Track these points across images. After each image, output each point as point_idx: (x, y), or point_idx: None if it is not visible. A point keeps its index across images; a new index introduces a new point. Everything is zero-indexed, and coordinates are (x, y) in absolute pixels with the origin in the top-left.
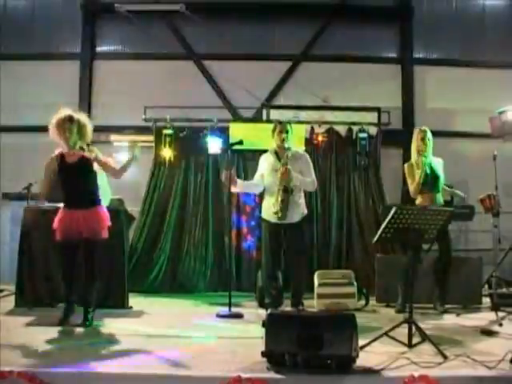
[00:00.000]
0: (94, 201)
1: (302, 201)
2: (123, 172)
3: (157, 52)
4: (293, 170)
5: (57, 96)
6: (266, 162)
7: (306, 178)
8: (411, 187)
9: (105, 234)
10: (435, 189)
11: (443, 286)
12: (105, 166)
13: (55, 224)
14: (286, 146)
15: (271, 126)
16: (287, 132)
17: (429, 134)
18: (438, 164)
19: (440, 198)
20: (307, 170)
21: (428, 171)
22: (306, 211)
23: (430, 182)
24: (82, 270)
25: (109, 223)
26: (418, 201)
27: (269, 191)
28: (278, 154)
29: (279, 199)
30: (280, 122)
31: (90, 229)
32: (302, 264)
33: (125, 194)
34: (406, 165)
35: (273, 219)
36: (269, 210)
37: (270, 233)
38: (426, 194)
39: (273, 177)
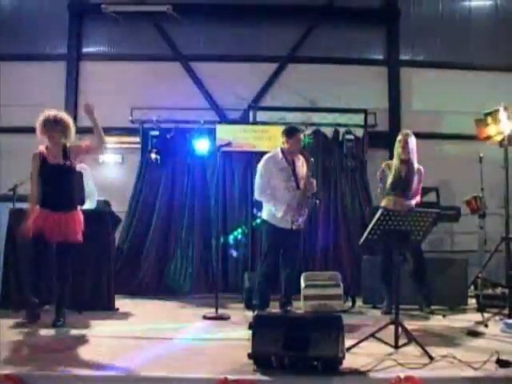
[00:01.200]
0: (72, 205)
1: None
2: (101, 139)
3: (143, 53)
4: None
5: (43, 97)
6: (270, 164)
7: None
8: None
9: (79, 239)
10: (403, 194)
11: (425, 290)
12: (89, 148)
13: (29, 223)
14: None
15: (258, 127)
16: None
17: (409, 138)
18: (415, 171)
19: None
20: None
21: (402, 176)
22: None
23: (400, 186)
24: (54, 270)
25: (82, 228)
26: (383, 202)
27: (276, 194)
28: (284, 153)
29: (299, 207)
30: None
31: (63, 233)
32: (297, 265)
33: (111, 196)
34: (382, 165)
35: (280, 224)
36: (277, 214)
37: (274, 237)
38: (393, 197)
39: (280, 176)
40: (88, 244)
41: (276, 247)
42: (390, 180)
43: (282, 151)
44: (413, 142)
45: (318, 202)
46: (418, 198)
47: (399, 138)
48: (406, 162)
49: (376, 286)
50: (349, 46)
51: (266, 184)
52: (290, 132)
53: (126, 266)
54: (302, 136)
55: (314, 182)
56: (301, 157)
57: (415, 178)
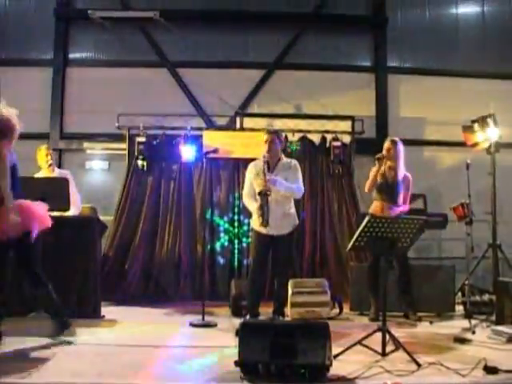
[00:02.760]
0: None
1: (292, 211)
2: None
3: (130, 59)
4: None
5: (29, 103)
6: (254, 170)
7: (292, 184)
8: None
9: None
10: (390, 200)
11: (409, 296)
12: None
13: None
14: (274, 154)
15: (245, 134)
16: (270, 141)
17: (396, 146)
18: (402, 179)
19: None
20: (293, 176)
21: (389, 181)
22: (297, 221)
23: (387, 192)
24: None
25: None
26: (371, 209)
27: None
28: (268, 164)
29: (258, 205)
30: (268, 131)
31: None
32: (287, 275)
33: (97, 202)
34: (377, 155)
35: (263, 230)
36: (257, 220)
37: (259, 243)
38: (379, 203)
39: (256, 181)
40: (74, 250)
41: (260, 254)
42: (377, 185)
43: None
44: (400, 149)
45: (268, 193)
46: (406, 207)
47: (386, 144)
48: (393, 169)
49: (363, 293)
50: (336, 52)
51: (247, 188)
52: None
53: (112, 273)
54: (266, 136)
55: (274, 180)
56: (293, 163)
57: (401, 185)
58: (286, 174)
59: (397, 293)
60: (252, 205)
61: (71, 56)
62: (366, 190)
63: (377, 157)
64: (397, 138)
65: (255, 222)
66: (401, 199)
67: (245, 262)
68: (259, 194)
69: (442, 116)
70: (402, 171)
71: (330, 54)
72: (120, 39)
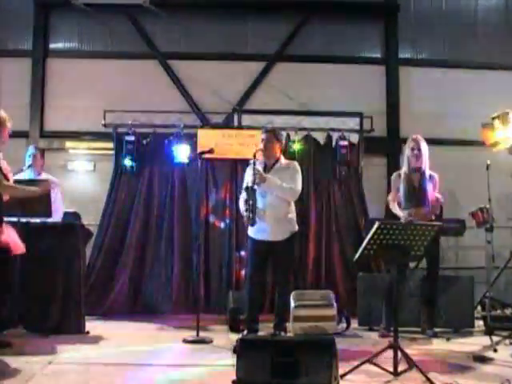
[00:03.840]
0: None
1: (291, 215)
2: (10, 192)
3: (118, 50)
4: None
5: (5, 97)
6: (248, 169)
7: (285, 184)
8: (389, 196)
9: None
10: (421, 204)
11: (431, 307)
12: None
13: None
14: (272, 155)
15: (243, 132)
16: (266, 140)
17: (423, 145)
18: (429, 178)
19: (428, 213)
20: (290, 177)
21: (416, 185)
22: (296, 228)
23: (416, 197)
24: None
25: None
26: (402, 217)
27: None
28: (265, 165)
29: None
30: (266, 130)
31: None
32: (287, 286)
33: (81, 207)
34: (393, 175)
35: (258, 236)
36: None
37: (254, 251)
38: (411, 210)
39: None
40: (56, 260)
41: (258, 263)
42: (402, 192)
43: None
44: (425, 147)
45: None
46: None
47: (411, 144)
48: (419, 171)
49: (373, 306)
50: (343, 43)
51: (243, 191)
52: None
53: (97, 285)
54: (263, 135)
55: (264, 177)
56: (293, 165)
57: (430, 187)
58: (283, 175)
59: (411, 305)
60: (242, 205)
61: (52, 46)
62: (392, 202)
63: (395, 176)
64: (419, 136)
65: (250, 228)
66: (431, 201)
67: (243, 272)
68: (246, 188)
69: (459, 112)
70: (428, 171)
71: (336, 44)
72: (106, 28)
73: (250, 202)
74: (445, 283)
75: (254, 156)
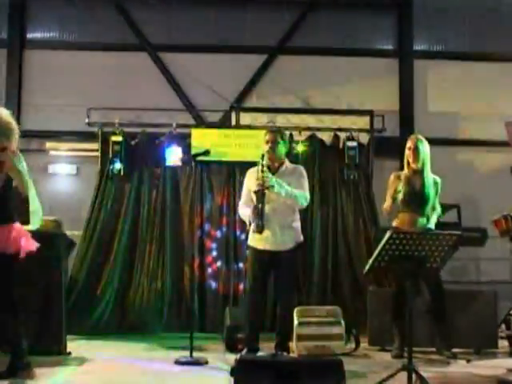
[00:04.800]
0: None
1: (296, 224)
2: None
3: (103, 42)
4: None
5: None
6: (253, 177)
7: (295, 190)
8: (385, 202)
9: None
10: (420, 210)
11: (443, 324)
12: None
13: None
14: (277, 158)
15: (242, 132)
16: (272, 142)
17: (421, 145)
18: (431, 183)
19: (423, 221)
20: (297, 182)
21: (416, 188)
22: (301, 238)
23: (415, 201)
24: None
25: (27, 245)
26: (395, 222)
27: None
28: (269, 168)
29: (252, 206)
30: (271, 130)
31: None
32: (291, 302)
33: (63, 215)
34: (391, 175)
35: (259, 245)
36: (254, 234)
37: (256, 262)
38: (407, 214)
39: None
40: (34, 273)
41: (258, 275)
42: (401, 195)
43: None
44: (425, 148)
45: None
46: (434, 217)
47: (408, 144)
48: (419, 173)
49: (385, 324)
50: (351, 33)
51: (245, 198)
52: (264, 134)
53: (81, 300)
54: (268, 136)
55: (270, 178)
56: (299, 169)
57: (431, 191)
58: (289, 179)
59: (427, 323)
60: (246, 212)
61: (30, 36)
62: (385, 211)
63: (393, 176)
64: (420, 135)
65: (251, 237)
66: (430, 207)
67: (241, 286)
68: (255, 192)
69: (480, 110)
70: (429, 174)
71: (343, 35)
72: (90, 17)
73: (260, 208)
74: (464, 299)
75: (262, 158)
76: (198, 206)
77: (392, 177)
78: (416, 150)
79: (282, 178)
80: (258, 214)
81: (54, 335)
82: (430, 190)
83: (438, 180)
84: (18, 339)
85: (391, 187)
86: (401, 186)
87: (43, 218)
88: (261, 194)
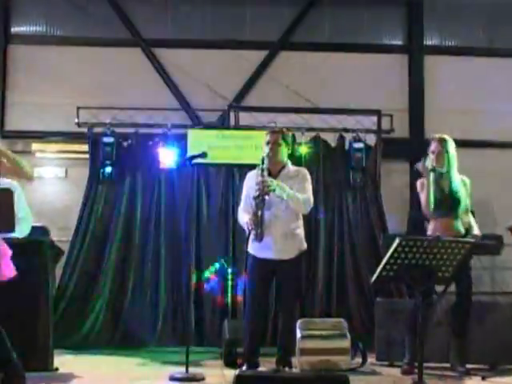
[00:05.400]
0: None
1: (299, 231)
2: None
3: (94, 36)
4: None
5: None
6: (252, 181)
7: (298, 194)
8: (422, 204)
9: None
10: (453, 214)
11: (463, 340)
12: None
13: None
14: (279, 160)
15: (241, 133)
16: (273, 143)
17: (447, 145)
18: (460, 184)
19: (459, 226)
20: (300, 186)
21: (446, 191)
22: (304, 246)
23: (447, 205)
24: None
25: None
26: (429, 229)
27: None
28: (270, 171)
29: (252, 212)
30: (273, 131)
31: None
32: (293, 314)
33: (50, 221)
34: (418, 181)
35: (260, 254)
36: (254, 241)
37: (256, 271)
38: (440, 220)
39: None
40: (19, 283)
41: (259, 285)
42: (430, 198)
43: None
44: (451, 148)
45: (264, 196)
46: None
47: (433, 146)
48: (446, 175)
49: (393, 337)
50: (358, 28)
51: (244, 202)
52: (265, 135)
53: (69, 312)
54: (269, 136)
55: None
56: (302, 172)
57: (462, 192)
58: (292, 183)
59: (440, 336)
60: (245, 218)
61: (14, 30)
62: (427, 208)
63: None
64: (445, 135)
65: (251, 245)
66: (463, 209)
67: (241, 296)
68: (254, 198)
69: (496, 109)
70: (457, 174)
71: (349, 30)
72: (80, 10)
73: (259, 214)
74: (479, 311)
75: (262, 161)
76: (195, 211)
77: (419, 183)
78: (443, 152)
79: (283, 181)
80: (258, 221)
81: (39, 350)
82: (460, 191)
83: (467, 181)
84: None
85: (424, 190)
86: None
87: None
88: (260, 200)
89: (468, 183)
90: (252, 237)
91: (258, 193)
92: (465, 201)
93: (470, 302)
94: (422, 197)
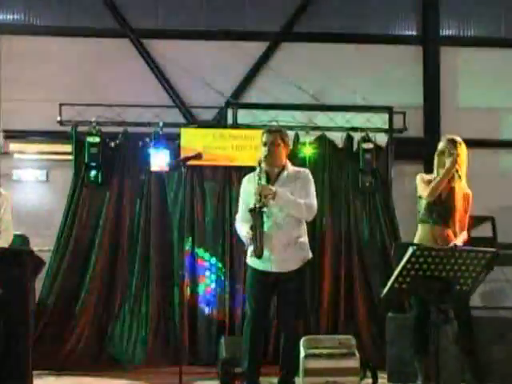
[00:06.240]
0: None
1: (303, 240)
2: None
3: (78, 26)
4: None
5: None
6: (250, 187)
7: (299, 200)
8: (427, 189)
9: None
10: (445, 223)
11: (474, 357)
12: None
13: None
14: (277, 163)
15: (240, 132)
16: (271, 144)
17: (458, 148)
18: (460, 192)
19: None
20: (302, 189)
21: (442, 197)
22: (309, 255)
23: (441, 212)
24: None
25: None
26: (418, 234)
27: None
28: (268, 175)
29: (249, 226)
30: (270, 130)
31: None
32: (296, 330)
33: (30, 229)
34: (418, 175)
35: (260, 266)
36: (248, 251)
37: (255, 284)
38: (431, 227)
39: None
40: None
41: (259, 300)
42: (424, 201)
43: (265, 170)
44: (464, 151)
45: (263, 209)
46: (464, 234)
47: (442, 146)
48: (451, 180)
49: (406, 356)
50: (367, 17)
51: (241, 210)
52: (262, 135)
53: (51, 329)
54: (265, 137)
55: (267, 188)
56: (303, 173)
57: (460, 201)
58: (292, 187)
59: (456, 356)
60: (243, 230)
61: None
62: (427, 194)
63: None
64: (458, 138)
65: (251, 256)
66: (460, 223)
67: (239, 311)
68: (250, 210)
69: None
70: (462, 183)
71: (358, 19)
72: None
73: (258, 230)
74: (499, 327)
75: (259, 164)
76: (189, 218)
77: (419, 177)
78: (455, 155)
79: (283, 185)
80: (255, 235)
81: (17, 370)
82: (459, 200)
83: (470, 193)
84: None
85: (424, 183)
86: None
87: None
88: (258, 213)
89: (470, 196)
90: (250, 251)
91: (255, 204)
92: (462, 215)
93: (469, 314)
94: (423, 186)
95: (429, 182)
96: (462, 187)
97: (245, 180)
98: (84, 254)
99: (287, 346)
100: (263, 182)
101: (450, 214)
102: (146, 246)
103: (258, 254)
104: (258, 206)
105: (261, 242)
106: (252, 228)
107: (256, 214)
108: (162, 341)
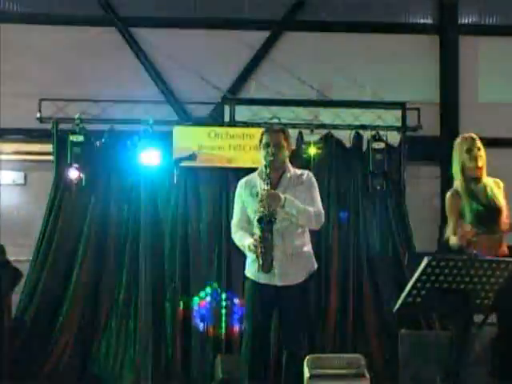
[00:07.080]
0: None
1: (307, 249)
2: None
3: (61, 13)
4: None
5: None
6: (247, 191)
7: (308, 207)
8: (447, 231)
9: None
10: (494, 227)
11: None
12: None
13: None
14: (280, 165)
15: (237, 130)
16: (274, 144)
17: (479, 144)
18: (494, 188)
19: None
20: (307, 195)
21: (484, 201)
22: (314, 266)
23: (489, 217)
24: None
25: None
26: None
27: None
28: (269, 177)
29: (256, 237)
30: (271, 130)
31: None
32: (300, 348)
33: (6, 236)
34: (448, 194)
35: (261, 278)
36: (254, 263)
37: (256, 299)
38: (484, 237)
39: (253, 204)
40: None
41: (260, 315)
42: (468, 213)
43: (265, 173)
44: (482, 148)
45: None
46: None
47: (464, 145)
48: (477, 180)
49: (422, 376)
50: (378, 3)
51: (238, 217)
52: (261, 134)
53: (29, 346)
54: (266, 136)
55: (276, 195)
56: (306, 176)
57: (501, 197)
58: (295, 192)
59: (479, 375)
60: (244, 240)
61: None
62: (457, 239)
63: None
64: (472, 134)
65: (250, 267)
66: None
67: (237, 327)
68: (259, 220)
69: None
70: (490, 178)
71: (367, 6)
72: None
73: (268, 243)
74: None
75: (266, 168)
76: (182, 224)
77: (449, 195)
78: (479, 151)
79: (286, 190)
80: (264, 249)
81: None
82: (500, 197)
83: (501, 184)
84: None
85: (454, 209)
86: (465, 204)
87: None
88: (267, 223)
89: (501, 186)
90: (250, 262)
91: (264, 213)
92: (505, 208)
93: None
94: (449, 220)
95: (453, 204)
96: (489, 181)
97: (241, 184)
98: (66, 264)
99: (290, 366)
100: (268, 187)
101: (498, 216)
102: (135, 256)
103: (267, 269)
104: (267, 214)
105: (271, 256)
106: (260, 240)
107: (265, 225)
108: (152, 360)
